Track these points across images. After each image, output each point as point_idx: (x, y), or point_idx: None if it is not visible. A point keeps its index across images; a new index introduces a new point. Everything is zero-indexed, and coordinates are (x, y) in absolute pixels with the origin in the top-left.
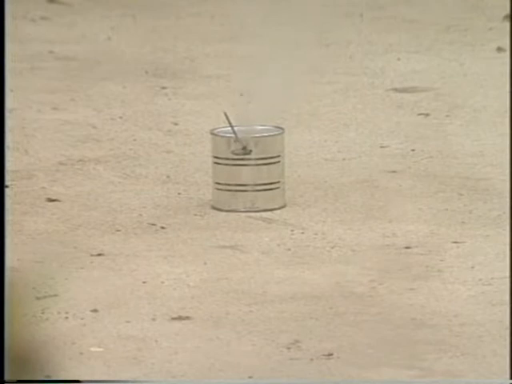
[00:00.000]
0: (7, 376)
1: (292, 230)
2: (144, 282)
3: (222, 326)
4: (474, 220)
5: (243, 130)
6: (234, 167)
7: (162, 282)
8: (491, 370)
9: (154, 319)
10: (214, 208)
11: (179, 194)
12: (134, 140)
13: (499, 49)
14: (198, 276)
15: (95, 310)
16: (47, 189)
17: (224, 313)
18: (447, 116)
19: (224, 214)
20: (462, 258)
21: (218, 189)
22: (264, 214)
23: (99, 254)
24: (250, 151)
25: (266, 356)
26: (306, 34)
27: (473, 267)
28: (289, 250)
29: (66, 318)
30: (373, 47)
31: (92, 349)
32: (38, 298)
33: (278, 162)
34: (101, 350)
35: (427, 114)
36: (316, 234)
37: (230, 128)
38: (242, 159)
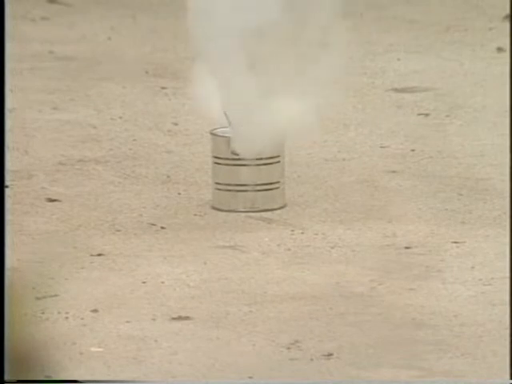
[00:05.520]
0: (7, 376)
1: (292, 230)
2: (144, 282)
3: (222, 326)
4: (473, 220)
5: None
6: (234, 167)
7: (162, 282)
8: (491, 370)
9: (154, 319)
10: (213, 208)
11: (179, 194)
12: (134, 140)
13: (499, 49)
14: (198, 276)
15: (95, 310)
16: (47, 189)
17: (224, 313)
18: (447, 116)
19: (224, 214)
20: (461, 258)
21: (218, 189)
22: (264, 214)
23: (99, 254)
24: None
25: (265, 356)
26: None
27: (473, 267)
28: (289, 250)
29: (66, 318)
30: (373, 47)
31: (92, 349)
32: (38, 298)
33: (278, 162)
34: (101, 350)
35: (427, 114)
36: (316, 234)
37: (229, 128)
38: (241, 159)
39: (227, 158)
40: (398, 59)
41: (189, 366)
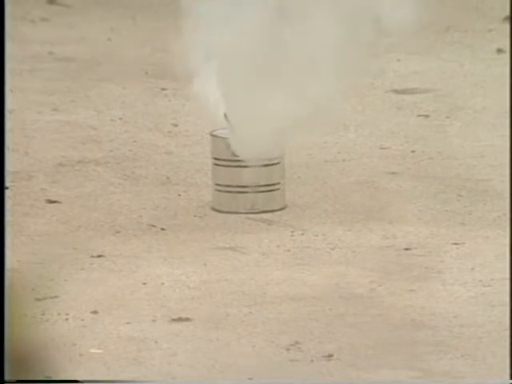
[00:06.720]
0: (7, 376)
1: (292, 232)
2: (144, 284)
3: (222, 328)
4: (473, 221)
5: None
6: (234, 168)
7: (162, 284)
8: (491, 371)
9: (154, 320)
10: (213, 209)
11: (179, 195)
12: (134, 141)
13: (499, 50)
14: (197, 277)
15: (95, 312)
16: (47, 190)
17: (224, 314)
18: (447, 117)
19: (224, 215)
20: (461, 259)
21: (218, 190)
22: (264, 216)
23: (99, 256)
24: None
25: (265, 357)
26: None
27: (472, 268)
28: (289, 251)
29: (66, 319)
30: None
31: (92, 350)
32: (37, 300)
33: (278, 163)
34: (101, 351)
35: (427, 115)
36: (316, 236)
37: (229, 130)
38: (241, 160)
39: (227, 160)
40: (398, 60)
41: (189, 367)
